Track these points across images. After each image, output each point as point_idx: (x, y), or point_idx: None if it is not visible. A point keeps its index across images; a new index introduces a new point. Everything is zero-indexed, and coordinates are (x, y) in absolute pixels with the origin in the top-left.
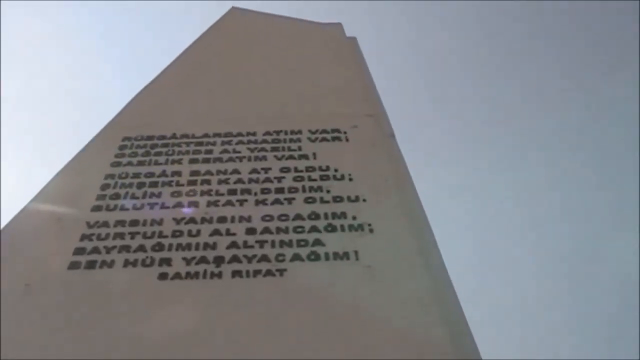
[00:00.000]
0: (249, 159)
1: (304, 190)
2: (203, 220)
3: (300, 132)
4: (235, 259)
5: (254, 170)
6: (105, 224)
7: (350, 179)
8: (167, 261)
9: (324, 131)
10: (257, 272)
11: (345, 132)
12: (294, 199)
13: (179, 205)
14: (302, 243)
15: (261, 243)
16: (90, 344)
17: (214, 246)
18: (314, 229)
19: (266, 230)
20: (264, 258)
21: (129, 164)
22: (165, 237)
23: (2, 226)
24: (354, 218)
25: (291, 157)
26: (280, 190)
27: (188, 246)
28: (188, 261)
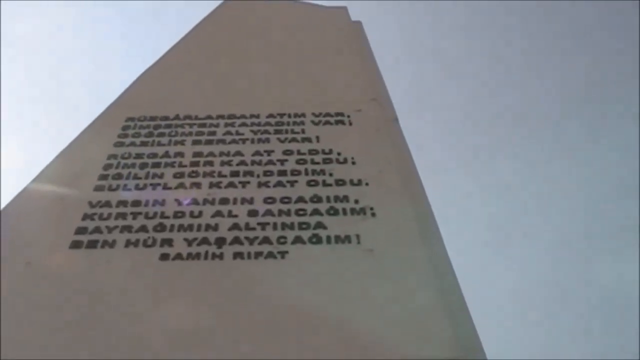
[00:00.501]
0: (252, 141)
1: (306, 173)
2: (205, 201)
3: (303, 115)
4: (236, 240)
5: (257, 153)
6: (108, 204)
7: (353, 163)
8: (168, 242)
9: (328, 114)
10: (258, 254)
11: (348, 116)
12: (296, 181)
13: (181, 186)
14: (304, 226)
15: (263, 225)
16: (90, 322)
17: (215, 227)
18: (316, 212)
19: (268, 213)
20: (266, 240)
21: (132, 144)
22: (167, 217)
23: (4, 205)
24: (356, 202)
25: (294, 140)
26: (282, 173)
27: (190, 227)
28: (189, 242)
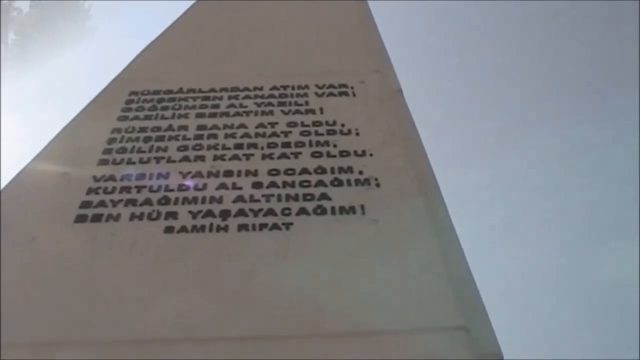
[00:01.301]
0: (256, 114)
1: (310, 145)
2: (209, 174)
3: (307, 87)
4: (241, 212)
5: (261, 125)
6: (112, 178)
7: (357, 134)
8: (173, 215)
9: (331, 86)
10: (263, 226)
11: (352, 87)
12: (300, 153)
13: (185, 159)
14: (309, 197)
15: (267, 197)
16: (95, 296)
17: (220, 200)
18: (320, 183)
19: (272, 184)
20: (270, 212)
21: (136, 118)
22: (172, 190)
23: (9, 180)
24: (361, 172)
25: (298, 112)
26: (286, 145)
27: (194, 200)
28: (194, 215)
